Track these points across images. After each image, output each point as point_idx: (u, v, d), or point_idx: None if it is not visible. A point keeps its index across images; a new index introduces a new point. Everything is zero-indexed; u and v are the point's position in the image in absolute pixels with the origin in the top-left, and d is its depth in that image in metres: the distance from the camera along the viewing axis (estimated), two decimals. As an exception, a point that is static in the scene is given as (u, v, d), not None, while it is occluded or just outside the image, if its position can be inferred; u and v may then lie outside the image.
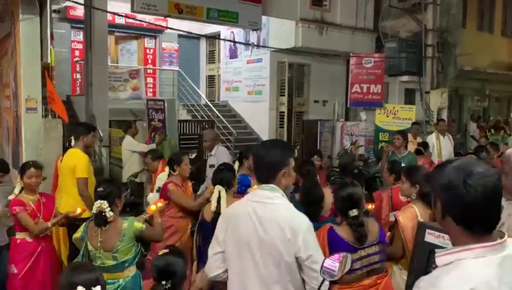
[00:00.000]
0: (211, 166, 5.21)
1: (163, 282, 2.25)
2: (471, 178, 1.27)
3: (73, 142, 4.65)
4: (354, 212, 2.68)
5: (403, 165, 4.55)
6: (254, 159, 2.18)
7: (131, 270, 3.06)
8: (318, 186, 4.04)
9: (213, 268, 2.16)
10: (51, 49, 8.29)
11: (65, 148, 5.31)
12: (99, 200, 2.97)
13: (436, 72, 11.85)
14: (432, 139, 8.04)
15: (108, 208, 2.96)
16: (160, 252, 2.43)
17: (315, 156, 5.50)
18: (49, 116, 7.07)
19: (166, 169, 4.46)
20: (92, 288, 2.00)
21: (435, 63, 11.85)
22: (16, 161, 7.42)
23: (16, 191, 3.73)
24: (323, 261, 1.91)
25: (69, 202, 4.32)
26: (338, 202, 2.83)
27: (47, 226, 3.68)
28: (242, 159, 4.84)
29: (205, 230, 3.30)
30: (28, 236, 3.67)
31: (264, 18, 9.66)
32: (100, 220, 2.97)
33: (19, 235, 3.69)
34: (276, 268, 1.99)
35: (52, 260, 3.83)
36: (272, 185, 2.08)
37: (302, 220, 2.05)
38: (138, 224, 3.06)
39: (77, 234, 3.15)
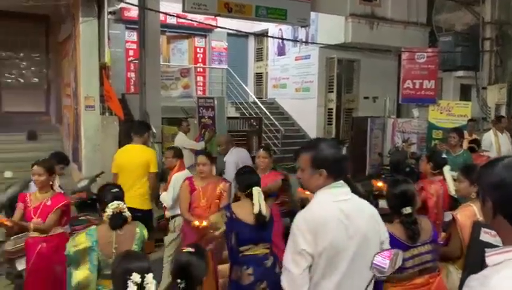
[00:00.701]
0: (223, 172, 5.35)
1: (178, 280, 2.19)
2: None
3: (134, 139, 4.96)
4: (407, 209, 2.64)
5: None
6: (326, 157, 2.07)
7: None
8: None
9: (303, 285, 1.98)
10: (107, 50, 8.69)
11: (121, 145, 5.65)
12: (115, 201, 2.86)
13: (494, 66, 11.31)
14: (489, 136, 7.68)
15: (126, 209, 2.90)
16: (186, 249, 2.38)
17: (261, 151, 4.92)
18: (106, 113, 7.42)
19: (186, 171, 4.59)
20: (145, 275, 2.07)
21: (492, 57, 11.32)
22: (75, 155, 7.85)
23: (31, 188, 3.85)
24: (373, 258, 1.90)
25: (134, 199, 4.53)
26: (391, 199, 2.79)
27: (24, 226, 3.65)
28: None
29: (242, 231, 3.22)
30: (30, 234, 3.70)
31: (312, 14, 9.60)
32: (119, 221, 2.85)
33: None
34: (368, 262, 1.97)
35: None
36: (341, 181, 2.09)
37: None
38: (146, 231, 3.01)
39: (80, 246, 2.81)
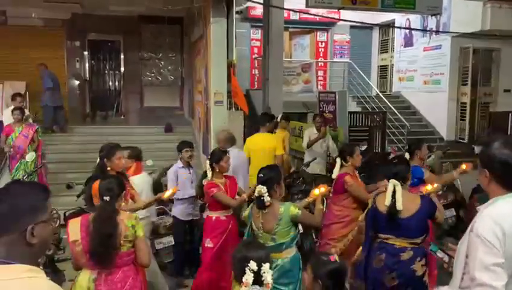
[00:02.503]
0: None
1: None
2: None
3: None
4: None
5: None
6: (500, 161, 1.85)
7: (290, 252, 3.20)
8: None
9: (502, 276, 1.77)
10: (234, 48, 9.15)
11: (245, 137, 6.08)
12: (260, 185, 3.18)
13: None
14: None
15: (267, 193, 3.14)
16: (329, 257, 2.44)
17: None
18: (233, 108, 7.82)
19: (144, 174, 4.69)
20: (262, 264, 2.17)
21: None
22: (205, 147, 8.43)
23: (209, 176, 4.17)
24: None
25: None
26: None
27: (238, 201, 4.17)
28: (414, 150, 4.63)
29: (377, 220, 3.31)
30: (221, 215, 4.12)
31: (444, 1, 8.89)
32: (259, 203, 3.19)
33: (214, 214, 4.16)
34: None
35: (238, 235, 4.21)
36: None
37: None
38: (294, 209, 3.16)
39: (246, 212, 3.46)
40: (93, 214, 2.86)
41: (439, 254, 2.48)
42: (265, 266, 2.17)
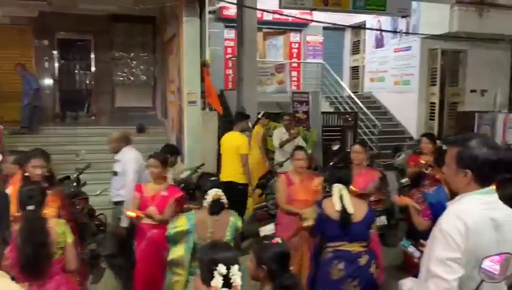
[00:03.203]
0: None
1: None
2: None
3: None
4: None
5: None
6: (476, 157, 1.86)
7: None
8: None
9: (456, 270, 1.82)
10: (208, 48, 9.09)
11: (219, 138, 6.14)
12: (214, 189, 3.06)
13: None
14: None
15: (224, 197, 3.07)
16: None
17: (356, 145, 4.76)
18: (207, 108, 7.79)
19: None
20: (231, 266, 2.10)
21: None
22: (179, 147, 8.37)
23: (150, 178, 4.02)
24: (481, 262, 1.80)
25: (230, 174, 5.68)
26: (506, 200, 2.54)
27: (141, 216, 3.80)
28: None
29: (328, 227, 3.21)
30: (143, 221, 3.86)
31: (414, 3, 9.11)
32: (216, 207, 3.04)
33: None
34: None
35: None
36: (491, 187, 1.91)
37: None
38: (240, 222, 3.15)
39: (180, 228, 3.07)
40: (19, 225, 2.74)
41: (410, 249, 2.54)
42: (234, 268, 2.09)
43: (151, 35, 11.80)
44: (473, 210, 1.84)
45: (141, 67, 11.96)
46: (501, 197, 2.50)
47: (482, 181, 1.87)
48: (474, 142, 1.87)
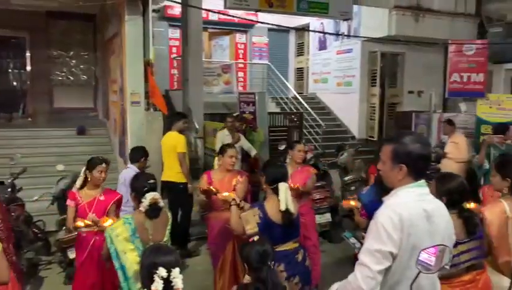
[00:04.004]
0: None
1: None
2: None
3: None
4: (467, 204, 2.61)
5: None
6: (409, 152, 1.97)
7: None
8: None
9: (378, 284, 1.91)
10: (151, 47, 8.90)
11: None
12: (151, 192, 2.96)
13: (550, 58, 10.69)
14: None
15: (160, 199, 3.01)
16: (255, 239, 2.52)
17: (300, 145, 4.80)
18: (151, 109, 7.61)
19: None
20: (172, 269, 2.07)
21: (548, 48, 10.68)
22: (121, 149, 8.12)
23: (78, 184, 3.86)
24: (418, 254, 1.87)
25: (170, 174, 5.77)
26: (444, 194, 2.68)
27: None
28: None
29: (273, 231, 3.09)
30: (84, 229, 3.70)
31: (355, 7, 9.43)
32: (155, 211, 2.97)
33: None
34: None
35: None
36: (424, 180, 2.02)
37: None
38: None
39: (122, 236, 2.91)
40: None
41: (352, 240, 2.63)
42: (175, 271, 2.07)
43: (91, 34, 11.39)
44: (407, 202, 1.94)
45: (81, 66, 11.51)
46: (438, 192, 2.65)
47: (416, 174, 1.98)
48: (407, 139, 1.98)
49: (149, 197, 2.93)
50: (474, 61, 9.25)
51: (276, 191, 3.13)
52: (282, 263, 3.07)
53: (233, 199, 3.42)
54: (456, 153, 6.91)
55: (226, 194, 3.59)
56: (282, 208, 3.06)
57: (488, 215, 2.77)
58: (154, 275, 2.04)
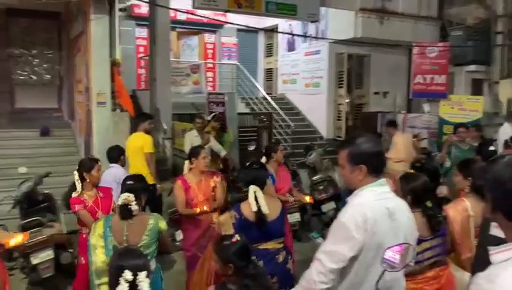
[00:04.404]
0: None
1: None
2: None
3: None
4: (430, 202, 2.69)
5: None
6: (364, 152, 2.04)
7: (153, 263, 3.04)
8: None
9: (331, 281, 1.97)
10: (118, 47, 8.75)
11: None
12: (126, 193, 2.98)
13: (506, 60, 11.18)
14: (507, 130, 7.65)
15: (135, 202, 2.97)
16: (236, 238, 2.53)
17: (280, 145, 5.05)
18: (117, 109, 7.49)
19: None
20: (138, 273, 2.06)
21: (505, 51, 11.19)
22: (87, 151, 7.94)
23: (79, 189, 3.83)
24: (383, 253, 1.93)
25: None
26: (409, 193, 2.77)
27: None
28: (270, 153, 4.90)
29: (248, 230, 3.15)
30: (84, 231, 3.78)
31: (322, 9, 9.57)
32: (125, 211, 2.95)
33: (84, 231, 3.80)
34: None
35: None
36: (383, 179, 2.08)
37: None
38: (163, 224, 3.07)
39: (97, 231, 3.01)
40: None
41: (319, 240, 2.67)
42: (142, 275, 2.06)
43: (56, 32, 11.05)
44: (369, 201, 1.99)
45: (45, 65, 11.15)
46: (403, 191, 2.74)
47: (375, 172, 2.04)
48: (360, 141, 2.05)
49: (122, 197, 2.95)
50: (437, 63, 9.56)
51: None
52: (261, 261, 3.15)
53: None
54: (394, 153, 7.01)
55: (222, 218, 3.51)
56: (253, 209, 3.16)
57: (451, 214, 2.87)
58: (120, 278, 2.03)
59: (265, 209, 3.19)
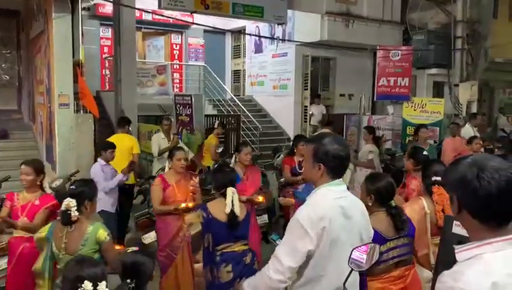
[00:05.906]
0: None
1: (128, 281, 2.17)
2: (484, 172, 1.29)
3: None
4: (393, 202, 2.74)
5: (424, 153, 4.44)
6: (327, 152, 2.07)
7: None
8: None
9: (289, 279, 2.04)
10: (81, 46, 8.52)
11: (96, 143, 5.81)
12: (68, 198, 2.83)
13: (465, 64, 11.61)
14: (469, 131, 7.95)
15: (75, 207, 2.81)
16: (130, 249, 2.43)
17: (247, 148, 5.00)
18: (81, 111, 7.29)
19: None
20: (98, 283, 1.99)
21: (464, 55, 11.61)
22: (49, 154, 7.68)
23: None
24: (350, 253, 1.94)
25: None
26: (373, 193, 2.80)
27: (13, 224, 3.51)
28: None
29: (216, 230, 3.23)
30: (14, 234, 3.59)
31: (289, 12, 9.65)
32: (65, 218, 2.81)
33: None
34: None
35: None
36: (341, 179, 2.13)
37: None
38: (103, 233, 2.83)
39: (41, 234, 2.94)
40: None
41: (278, 242, 2.67)
42: (102, 285, 1.99)
43: (15, 31, 10.64)
44: (326, 200, 2.05)
45: (3, 65, 10.71)
46: (367, 191, 2.78)
47: (333, 173, 2.09)
48: (327, 140, 2.10)
49: (65, 202, 2.83)
50: (400, 66, 9.80)
51: (224, 195, 3.29)
52: (230, 264, 3.20)
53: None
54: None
55: (189, 217, 3.56)
56: (227, 210, 3.22)
57: (408, 212, 2.93)
58: (79, 289, 1.95)
59: (237, 210, 3.24)
